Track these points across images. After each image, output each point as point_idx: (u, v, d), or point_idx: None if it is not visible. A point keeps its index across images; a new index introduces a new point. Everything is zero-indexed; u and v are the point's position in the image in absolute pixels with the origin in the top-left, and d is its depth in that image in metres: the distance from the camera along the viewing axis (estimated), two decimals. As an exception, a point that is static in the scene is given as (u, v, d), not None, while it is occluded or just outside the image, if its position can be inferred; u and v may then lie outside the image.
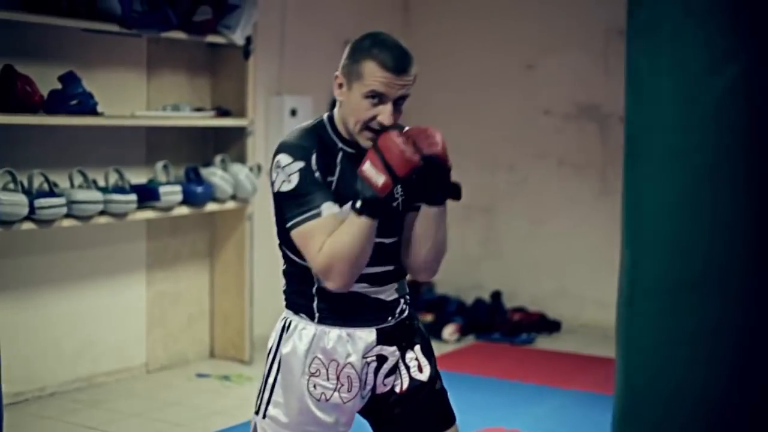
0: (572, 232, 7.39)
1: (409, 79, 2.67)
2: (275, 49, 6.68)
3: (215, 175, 5.89)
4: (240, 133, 6.14)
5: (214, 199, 5.91)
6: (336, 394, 2.77)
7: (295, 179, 2.65)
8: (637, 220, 2.02)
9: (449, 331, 6.98)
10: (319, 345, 2.76)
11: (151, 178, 5.69)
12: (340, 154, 2.72)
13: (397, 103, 2.66)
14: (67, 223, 5.11)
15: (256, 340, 6.32)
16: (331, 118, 2.77)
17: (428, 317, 7.13)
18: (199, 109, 6.04)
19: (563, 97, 7.41)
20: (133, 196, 5.35)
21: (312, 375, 2.76)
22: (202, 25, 5.74)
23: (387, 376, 2.82)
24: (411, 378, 2.83)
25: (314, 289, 2.77)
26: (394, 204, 2.75)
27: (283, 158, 2.67)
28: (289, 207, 2.66)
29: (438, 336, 6.89)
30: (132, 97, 5.78)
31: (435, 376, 2.89)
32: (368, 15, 7.51)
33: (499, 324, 7.17)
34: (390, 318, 2.82)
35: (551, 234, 7.52)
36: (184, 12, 5.64)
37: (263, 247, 6.40)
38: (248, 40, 6.01)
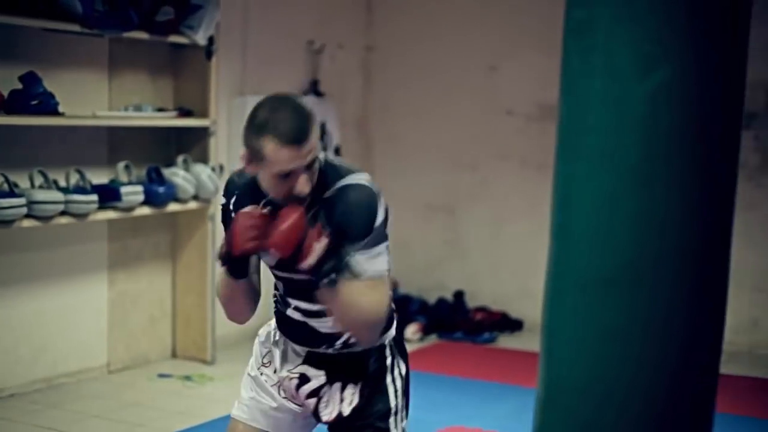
0: (534, 232, 7.42)
1: (309, 146, 2.57)
2: (238, 49, 6.68)
3: (177, 175, 5.88)
4: (202, 134, 6.13)
5: (176, 200, 5.90)
6: (275, 388, 2.96)
7: (219, 209, 2.93)
8: (565, 216, 2.06)
9: (412, 330, 7.01)
10: (272, 341, 2.99)
11: (112, 179, 5.67)
12: (264, 201, 2.71)
13: (310, 167, 2.61)
14: (28, 223, 5.08)
15: (218, 340, 6.32)
16: None
17: (391, 317, 7.14)
18: (161, 110, 6.03)
19: (525, 98, 7.45)
20: (94, 197, 5.34)
21: (263, 365, 3.00)
22: (165, 26, 5.73)
23: (309, 396, 2.88)
24: (340, 411, 2.86)
25: (273, 298, 2.99)
26: None
27: (224, 186, 2.91)
28: None
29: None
30: (93, 97, 5.76)
31: (365, 413, 2.85)
32: (331, 15, 7.52)
33: (462, 323, 7.20)
34: (325, 346, 2.86)
35: (513, 234, 7.55)
36: (146, 12, 5.63)
37: (225, 247, 6.40)
38: (210, 40, 6.00)
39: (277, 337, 2.96)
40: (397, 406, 2.90)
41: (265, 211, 2.62)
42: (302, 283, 2.75)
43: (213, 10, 5.93)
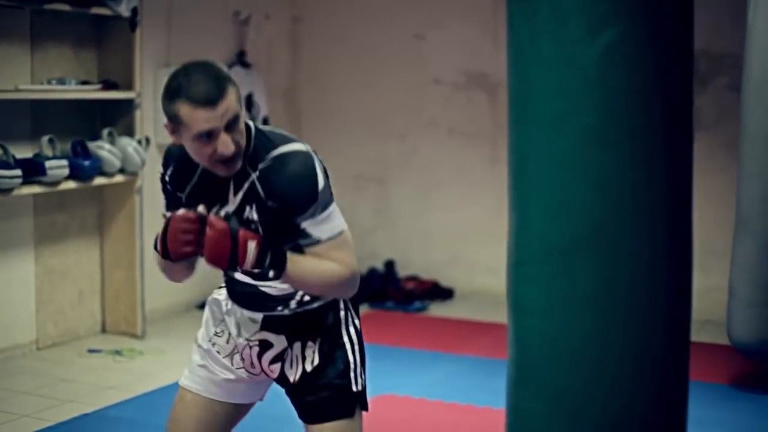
0: (463, 200, 7.46)
1: (227, 104, 2.57)
2: (162, 20, 6.61)
3: (103, 148, 5.81)
4: (128, 106, 6.07)
5: (102, 173, 5.84)
6: (228, 358, 2.93)
7: (160, 178, 2.88)
8: (523, 184, 2.03)
9: (343, 301, 7.00)
10: (223, 311, 2.96)
11: (36, 153, 5.59)
12: (198, 171, 2.76)
13: (230, 128, 2.59)
14: (-50, 199, 5.01)
15: (148, 314, 6.29)
16: None
17: (322, 288, 7.14)
18: (85, 82, 5.95)
19: (452, 66, 7.46)
20: (18, 171, 5.26)
21: (215, 334, 2.96)
22: (87, -3, 5.65)
23: (273, 362, 2.88)
24: (303, 369, 2.87)
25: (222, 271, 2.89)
26: (252, 228, 2.70)
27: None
28: None
29: (332, 306, 6.93)
30: (16, 70, 5.66)
31: (323, 368, 2.87)
32: (256, -15, 7.46)
33: (393, 292, 7.22)
34: (281, 308, 2.84)
35: (443, 203, 7.58)
36: (68, -17, 5.55)
37: (153, 220, 6.34)
38: (134, 11, 5.93)
39: (229, 306, 2.93)
40: (355, 361, 2.92)
41: (200, 210, 2.58)
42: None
43: (136, -19, 5.86)
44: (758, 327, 4.87)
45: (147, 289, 6.23)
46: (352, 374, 2.90)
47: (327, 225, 2.70)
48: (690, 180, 2.03)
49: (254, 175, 2.68)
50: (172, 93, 2.59)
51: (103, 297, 6.33)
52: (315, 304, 2.86)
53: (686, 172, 2.01)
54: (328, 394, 2.88)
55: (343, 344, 2.91)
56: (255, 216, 2.69)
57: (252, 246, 2.57)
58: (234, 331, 2.91)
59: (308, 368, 2.86)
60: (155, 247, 2.67)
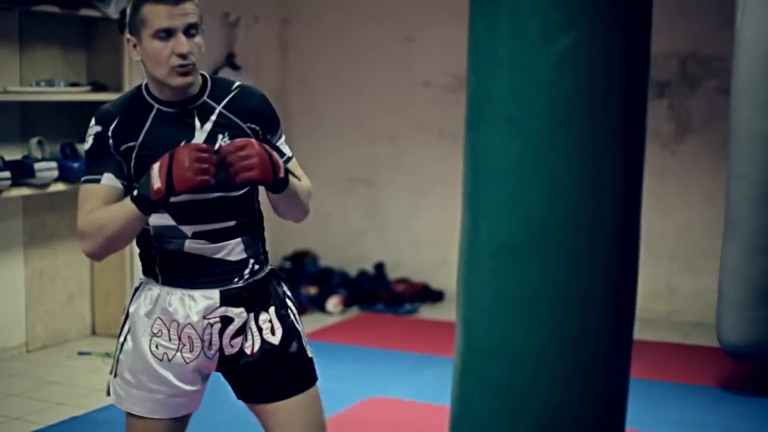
0: (453, 203, 7.43)
1: (189, 9, 2.69)
2: (152, 22, 6.59)
3: (92, 150, 5.79)
4: (117, 108, 6.05)
5: (92, 175, 5.82)
6: (179, 354, 2.80)
7: (90, 141, 2.76)
8: (476, 183, 2.06)
9: (333, 302, 7.01)
10: (162, 305, 2.80)
11: (25, 155, 5.58)
12: (153, 113, 2.76)
13: (189, 33, 2.69)
14: (-61, 201, 4.99)
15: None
16: (146, 83, 2.81)
17: (312, 290, 7.15)
18: (74, 84, 5.94)
19: (442, 69, 7.46)
20: (7, 173, 5.25)
21: (154, 335, 2.81)
22: (76, -2, 5.65)
23: (234, 337, 2.83)
24: (263, 340, 2.84)
25: (154, 251, 2.81)
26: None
27: (92, 121, 2.77)
28: (85, 166, 2.78)
29: (322, 308, 6.93)
30: (4, 72, 5.66)
31: (291, 339, 2.88)
32: (246, -13, 7.46)
33: (383, 295, 7.22)
34: (237, 279, 2.82)
35: (433, 205, 7.58)
36: (57, -15, 5.54)
37: (143, 222, 6.34)
38: (123, 13, 5.91)
39: (170, 298, 2.79)
40: (302, 328, 2.95)
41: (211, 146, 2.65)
42: (208, 203, 2.75)
43: (126, -17, 5.85)
44: (748, 329, 4.88)
45: (136, 291, 6.21)
46: (304, 341, 2.92)
47: (287, 146, 2.92)
48: (640, 185, 2.09)
49: (220, 107, 2.78)
50: (138, 1, 2.70)
51: (92, 299, 6.31)
52: (262, 274, 2.87)
53: (636, 177, 2.07)
54: (295, 364, 2.87)
55: (290, 312, 2.92)
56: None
57: (276, 155, 2.69)
58: (184, 318, 2.77)
59: (272, 339, 2.84)
60: (141, 192, 2.60)
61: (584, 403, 2.05)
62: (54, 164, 5.54)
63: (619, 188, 2.01)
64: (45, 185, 5.54)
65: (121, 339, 2.87)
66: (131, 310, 2.85)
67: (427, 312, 7.13)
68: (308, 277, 7.38)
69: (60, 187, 5.66)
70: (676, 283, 6.94)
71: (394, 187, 7.71)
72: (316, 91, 7.88)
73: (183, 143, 2.68)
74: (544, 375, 2.02)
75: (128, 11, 2.74)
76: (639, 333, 6.54)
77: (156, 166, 2.59)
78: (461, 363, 2.14)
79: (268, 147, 2.68)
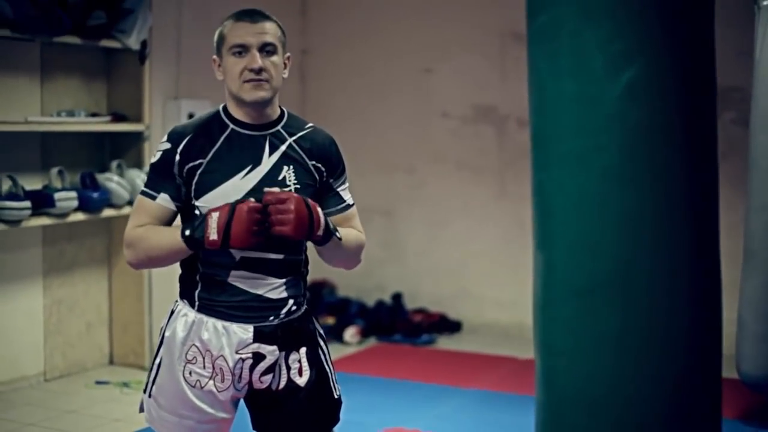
0: (471, 233, 7.46)
1: (266, 28, 2.80)
2: (172, 53, 6.64)
3: (111, 180, 5.83)
4: (136, 138, 6.09)
5: (111, 205, 5.85)
6: (211, 382, 2.82)
7: (157, 156, 2.83)
8: (547, 224, 2.02)
9: (351, 333, 7.00)
10: (197, 333, 2.82)
11: (45, 184, 5.61)
12: (226, 133, 2.82)
13: (265, 51, 2.79)
14: (-40, 230, 5.01)
15: (156, 346, 6.27)
16: (225, 104, 2.89)
17: (330, 320, 7.14)
18: (94, 114, 5.97)
19: (460, 100, 7.47)
20: (27, 203, 5.27)
21: (188, 362, 2.82)
22: (97, 30, 5.68)
23: (264, 374, 2.84)
24: (289, 379, 2.86)
25: (198, 276, 2.83)
26: (287, 191, 2.77)
27: (164, 137, 2.84)
28: (146, 177, 2.85)
29: (340, 338, 6.92)
30: (25, 102, 5.69)
31: (317, 382, 2.89)
32: (265, 19, 7.48)
33: (401, 325, 7.21)
34: (272, 318, 2.83)
35: (450, 236, 7.58)
36: (78, 16, 5.57)
37: (162, 252, 6.35)
38: (144, 44, 5.96)
39: (205, 327, 2.80)
40: (332, 369, 2.97)
41: (261, 203, 2.68)
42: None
43: (145, 15, 5.89)
44: (767, 361, 4.85)
45: (155, 321, 6.22)
46: (331, 382, 2.93)
47: (349, 194, 2.99)
48: (716, 217, 2.00)
49: (292, 139, 2.85)
50: (225, 19, 2.87)
51: (111, 328, 6.32)
52: (298, 314, 2.88)
53: (711, 209, 1.99)
54: (319, 407, 2.90)
55: (321, 353, 2.93)
56: (293, 178, 2.81)
57: (319, 210, 2.73)
58: (217, 349, 2.79)
59: (298, 381, 2.85)
60: (195, 236, 2.66)
61: None
62: (74, 194, 5.56)
63: (694, 221, 1.95)
64: (65, 215, 5.57)
65: (157, 360, 2.89)
66: (167, 334, 2.87)
67: (445, 343, 7.11)
68: (326, 308, 7.37)
69: (79, 216, 5.68)
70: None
71: (412, 217, 7.71)
72: (334, 122, 7.88)
73: (249, 168, 2.76)
74: (630, 421, 1.95)
75: (215, 34, 2.89)
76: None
77: (215, 216, 2.64)
78: (543, 411, 2.07)
79: (311, 203, 2.71)
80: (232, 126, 2.82)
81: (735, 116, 6.69)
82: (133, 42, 5.86)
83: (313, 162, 2.87)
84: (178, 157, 2.78)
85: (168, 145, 2.81)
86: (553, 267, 2.02)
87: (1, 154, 5.52)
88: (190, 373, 2.82)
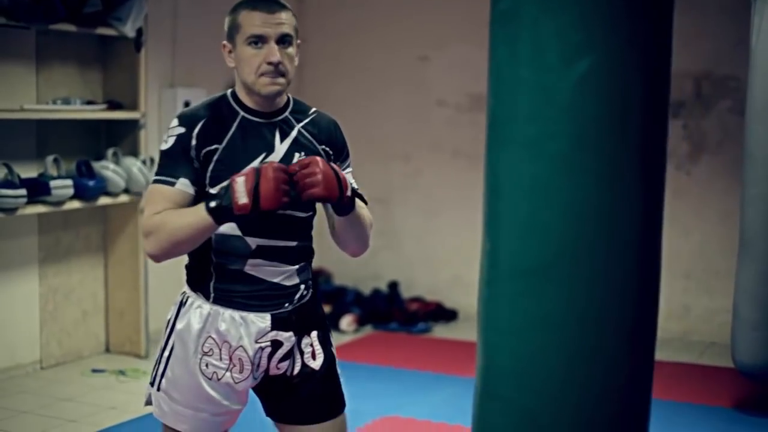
0: (467, 222, 7.45)
1: (283, 18, 2.75)
2: (167, 41, 6.63)
3: (107, 168, 5.82)
4: (132, 126, 6.08)
5: (107, 193, 5.84)
6: (228, 374, 2.81)
7: (170, 141, 2.74)
8: (496, 205, 2.07)
9: (347, 321, 7.01)
10: (213, 325, 2.79)
11: (41, 172, 5.60)
12: (237, 120, 2.78)
13: (282, 42, 2.74)
14: (-45, 218, 5.01)
15: (152, 334, 6.28)
16: (233, 90, 2.85)
17: (326, 308, 7.11)
18: (90, 102, 5.96)
19: (456, 88, 7.47)
20: (23, 191, 5.27)
21: (205, 354, 2.80)
22: (92, 18, 5.67)
23: (281, 360, 2.85)
24: (303, 364, 2.87)
25: (212, 267, 2.80)
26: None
27: (173, 122, 2.77)
28: (158, 165, 2.77)
29: (336, 327, 6.92)
30: (21, 90, 5.68)
31: (329, 365, 2.91)
32: (262, 7, 7.47)
33: (397, 314, 7.22)
34: (287, 304, 2.83)
35: (446, 224, 7.58)
36: (73, 4, 5.56)
37: (158, 240, 6.35)
38: (139, 32, 5.95)
39: (221, 319, 2.78)
40: (335, 352, 2.98)
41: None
42: (276, 218, 2.74)
43: (141, 2, 5.88)
44: (763, 350, 4.86)
45: (151, 309, 6.22)
46: (337, 367, 2.96)
47: (354, 179, 2.92)
48: (660, 206, 2.08)
49: (300, 125, 2.84)
50: (236, 7, 2.78)
51: (107, 317, 6.33)
52: (307, 298, 2.89)
53: (656, 198, 2.06)
54: (330, 390, 2.92)
55: (329, 336, 2.96)
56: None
57: (343, 173, 2.70)
58: (236, 340, 2.78)
59: (312, 364, 2.87)
60: (222, 204, 2.58)
61: (607, 425, 2.04)
62: (69, 182, 5.56)
63: (639, 209, 2.00)
64: (60, 203, 5.56)
65: (165, 354, 2.85)
66: (179, 326, 2.83)
67: (441, 331, 7.12)
68: (322, 296, 7.38)
69: (75, 204, 5.67)
70: (691, 303, 6.92)
71: (408, 206, 7.71)
72: (330, 111, 7.77)
73: (262, 156, 2.74)
74: (565, 398, 2.01)
75: (226, 20, 2.81)
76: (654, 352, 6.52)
77: (240, 181, 2.58)
78: (482, 385, 2.12)
79: (335, 165, 2.70)
80: (242, 113, 2.79)
81: (731, 105, 6.69)
82: (129, 30, 5.85)
83: (323, 146, 2.87)
84: (194, 141, 2.72)
85: (182, 129, 2.73)
86: (497, 247, 2.07)
87: (-3, 142, 5.52)
88: (207, 366, 2.80)
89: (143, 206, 2.77)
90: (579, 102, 1.94)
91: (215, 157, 2.72)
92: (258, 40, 2.72)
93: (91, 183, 5.70)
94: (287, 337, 2.83)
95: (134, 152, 6.05)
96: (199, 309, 2.81)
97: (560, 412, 2.02)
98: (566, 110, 1.95)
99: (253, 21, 2.72)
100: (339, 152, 2.93)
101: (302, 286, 2.87)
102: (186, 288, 2.87)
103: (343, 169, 2.88)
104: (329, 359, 2.92)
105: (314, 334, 2.90)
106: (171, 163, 2.72)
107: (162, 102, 6.57)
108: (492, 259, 2.08)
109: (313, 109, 2.93)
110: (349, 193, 2.71)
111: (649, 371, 2.12)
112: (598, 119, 1.95)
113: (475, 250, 7.30)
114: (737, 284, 4.96)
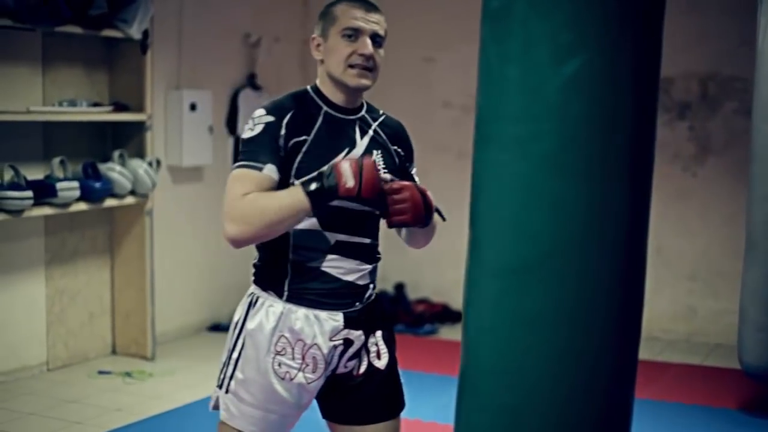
0: (473, 223, 7.45)
1: (380, 19, 2.84)
2: (173, 43, 6.64)
3: (113, 170, 5.83)
4: (138, 128, 6.09)
5: (113, 195, 5.85)
6: (300, 374, 2.80)
7: (258, 129, 2.73)
8: (481, 204, 2.08)
9: (352, 323, 7.00)
10: (287, 324, 2.78)
11: (47, 174, 5.61)
12: (322, 115, 2.82)
13: (375, 40, 2.82)
14: (-38, 220, 5.02)
15: (158, 336, 6.29)
16: (315, 85, 2.89)
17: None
18: (96, 104, 5.97)
19: (461, 89, 7.47)
20: (30, 193, 5.28)
21: (278, 353, 2.79)
22: (98, 20, 5.68)
23: (350, 359, 2.86)
24: (369, 363, 2.89)
25: (288, 264, 2.79)
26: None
27: (258, 112, 2.77)
28: (242, 152, 2.74)
29: (341, 328, 6.92)
30: (27, 91, 5.69)
31: (392, 365, 2.94)
32: (267, 8, 7.49)
33: (403, 315, 7.22)
34: (358, 303, 2.85)
35: (452, 226, 7.54)
36: (79, 6, 5.57)
37: (164, 242, 6.36)
38: (145, 34, 5.96)
39: (295, 317, 2.77)
40: (396, 353, 3.00)
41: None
42: (355, 213, 2.80)
43: (147, 4, 5.88)
44: (769, 351, 4.85)
45: (157, 310, 6.23)
46: (397, 366, 2.98)
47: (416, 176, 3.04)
48: (647, 208, 2.08)
49: (375, 125, 2.92)
50: (334, 2, 2.87)
51: (113, 318, 6.33)
52: (373, 297, 2.92)
53: (643, 200, 2.06)
54: (392, 389, 2.94)
55: (393, 336, 2.99)
56: (381, 162, 2.85)
57: (429, 194, 2.82)
58: (311, 338, 2.77)
59: (377, 364, 2.89)
60: (327, 185, 2.62)
61: (585, 423, 2.03)
62: (76, 184, 5.57)
63: (626, 211, 2.00)
64: (67, 205, 5.57)
65: (235, 355, 2.82)
66: (250, 326, 2.81)
67: (447, 333, 7.12)
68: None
69: (81, 206, 5.68)
70: (697, 305, 6.91)
71: (414, 207, 7.69)
72: (336, 112, 7.88)
73: (346, 151, 2.80)
74: (544, 395, 2.01)
75: (321, 13, 2.90)
76: (659, 354, 6.52)
77: (346, 165, 2.63)
78: (463, 382, 2.14)
79: (423, 188, 2.79)
80: (325, 108, 2.83)
81: (737, 106, 6.68)
82: (135, 32, 5.86)
83: (395, 147, 2.95)
84: (283, 131, 2.73)
85: (271, 118, 2.73)
86: (481, 246, 2.08)
87: (3, 143, 5.53)
88: (279, 365, 2.78)
89: (227, 190, 2.71)
90: (568, 102, 1.94)
91: (304, 149, 2.74)
92: (353, 33, 2.80)
93: (98, 185, 5.71)
94: (357, 336, 2.85)
95: (140, 154, 6.05)
96: (271, 308, 2.80)
97: (543, 410, 2.02)
98: (555, 110, 1.95)
99: (352, 14, 2.80)
100: (408, 154, 3.03)
101: (371, 286, 2.91)
102: (254, 288, 2.86)
103: (411, 170, 3.02)
104: (393, 359, 2.95)
105: (379, 333, 2.92)
106: (257, 149, 2.71)
107: (168, 104, 6.58)
108: (476, 258, 2.09)
109: (382, 111, 3.02)
110: (432, 216, 2.82)
111: (633, 370, 2.11)
112: (587, 119, 1.95)
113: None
114: (744, 286, 4.95)
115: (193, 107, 6.62)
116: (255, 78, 7.29)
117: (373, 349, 2.89)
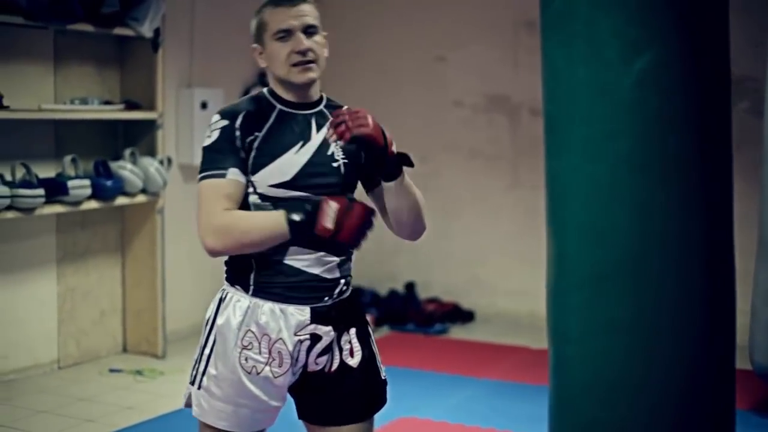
0: (484, 222, 7.45)
1: (306, 10, 2.87)
2: (185, 41, 6.64)
3: (125, 168, 5.84)
4: (150, 126, 6.09)
5: (124, 193, 5.86)
6: (267, 368, 2.79)
7: (215, 135, 2.79)
8: (559, 211, 2.02)
9: (363, 322, 7.00)
10: (253, 318, 2.80)
11: (59, 172, 5.62)
12: (275, 112, 2.85)
13: (308, 32, 2.86)
14: (-26, 218, 5.03)
15: (169, 334, 6.29)
16: (270, 88, 2.93)
17: (342, 309, 7.14)
18: (108, 102, 5.98)
19: (473, 88, 7.46)
20: (41, 191, 5.28)
21: (244, 348, 2.79)
22: (110, 18, 5.69)
23: (320, 355, 2.83)
24: (341, 361, 2.85)
25: (253, 259, 2.80)
26: (335, 165, 2.85)
27: (214, 117, 2.83)
28: (203, 161, 2.80)
29: (352, 327, 6.92)
30: (39, 89, 5.70)
31: (367, 363, 2.89)
32: (279, 7, 7.47)
33: (414, 314, 7.21)
34: (327, 298, 2.82)
35: (463, 225, 7.57)
36: (91, 4, 5.58)
37: (174, 241, 6.36)
38: (157, 32, 5.96)
39: (261, 311, 2.78)
40: (376, 348, 2.97)
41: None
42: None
43: (158, 2, 5.89)
44: (781, 352, 4.83)
45: (168, 309, 6.23)
46: (378, 362, 2.94)
47: None
48: (730, 206, 1.99)
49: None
50: (260, 8, 2.90)
51: (124, 316, 6.34)
52: (347, 294, 2.89)
53: (725, 198, 1.97)
54: (368, 388, 2.90)
55: (369, 332, 2.95)
56: (340, 153, 2.87)
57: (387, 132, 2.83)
58: (276, 332, 2.78)
59: (350, 362, 2.86)
60: (305, 220, 2.68)
61: None
62: (87, 182, 5.57)
63: (707, 208, 1.93)
64: (78, 203, 5.58)
65: (207, 351, 2.85)
66: (219, 322, 2.83)
67: (458, 332, 7.11)
68: (338, 296, 7.37)
69: (93, 204, 5.69)
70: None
71: (425, 207, 7.68)
72: (347, 111, 7.88)
73: (300, 144, 2.80)
74: (641, 408, 1.93)
75: (252, 23, 2.94)
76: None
77: (332, 205, 2.68)
78: (554, 398, 2.06)
79: (390, 137, 2.82)
80: (279, 106, 2.86)
81: (749, 106, 6.66)
82: (147, 30, 5.86)
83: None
84: (238, 132, 2.78)
85: (225, 122, 2.79)
86: (564, 255, 2.01)
87: (15, 141, 5.54)
88: (246, 359, 2.79)
89: (200, 203, 2.76)
90: (639, 99, 1.89)
91: (256, 145, 2.78)
92: (285, 34, 2.83)
93: (109, 183, 5.71)
94: (326, 332, 2.82)
95: (151, 152, 6.06)
96: (238, 303, 2.82)
97: (633, 421, 1.95)
98: (626, 108, 1.90)
99: (278, 16, 2.84)
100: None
101: (342, 281, 2.86)
102: (225, 284, 2.88)
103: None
104: (368, 357, 2.90)
105: (353, 331, 2.89)
106: (218, 156, 2.77)
107: (179, 102, 6.58)
108: (559, 268, 2.02)
109: (346, 107, 2.93)
110: (393, 149, 2.82)
111: (731, 377, 2.02)
112: (659, 116, 1.89)
113: (492, 251, 7.34)
114: (755, 286, 4.93)
115: (204, 105, 6.62)
116: (266, 77, 7.27)
117: (346, 347, 2.86)
